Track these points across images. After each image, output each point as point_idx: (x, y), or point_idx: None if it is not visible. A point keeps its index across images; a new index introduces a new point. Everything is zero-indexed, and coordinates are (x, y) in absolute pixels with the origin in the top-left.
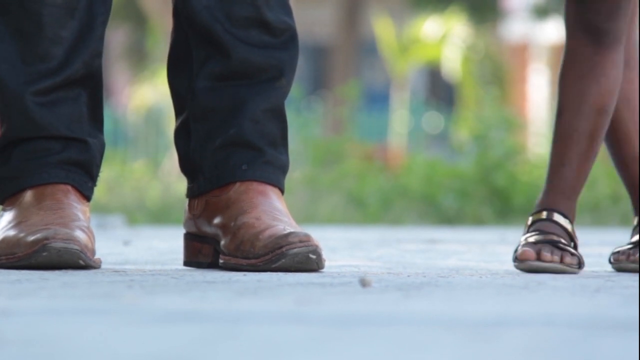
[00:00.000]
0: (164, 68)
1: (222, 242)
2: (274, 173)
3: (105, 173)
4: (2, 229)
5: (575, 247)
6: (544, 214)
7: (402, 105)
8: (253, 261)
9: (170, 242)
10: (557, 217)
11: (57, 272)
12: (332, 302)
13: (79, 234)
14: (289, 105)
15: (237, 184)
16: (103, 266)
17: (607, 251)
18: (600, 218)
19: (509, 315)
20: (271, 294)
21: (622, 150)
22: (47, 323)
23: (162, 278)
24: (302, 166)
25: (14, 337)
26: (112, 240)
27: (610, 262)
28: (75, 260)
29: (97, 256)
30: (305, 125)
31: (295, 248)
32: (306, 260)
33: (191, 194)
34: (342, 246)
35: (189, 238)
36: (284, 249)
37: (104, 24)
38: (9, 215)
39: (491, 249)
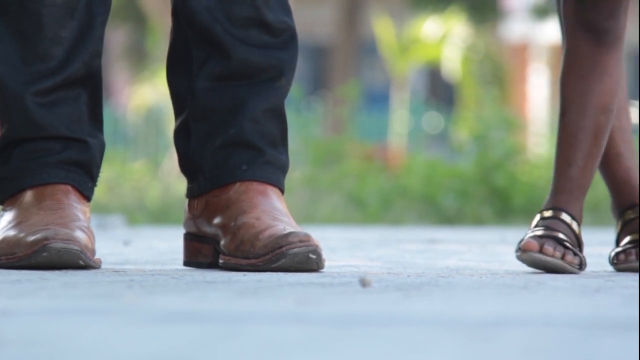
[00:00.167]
0: (163, 68)
1: (222, 242)
2: (274, 173)
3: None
4: (2, 229)
5: (580, 249)
6: (552, 213)
7: (402, 105)
8: (253, 261)
9: (170, 242)
10: (565, 217)
11: (57, 272)
12: (332, 302)
13: (79, 234)
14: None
15: (237, 184)
16: (103, 266)
17: (607, 251)
18: (600, 218)
19: (509, 315)
20: (271, 294)
21: (612, 168)
22: (47, 323)
23: (162, 278)
24: (302, 166)
25: (14, 337)
26: (112, 240)
27: (613, 262)
28: (75, 260)
29: (97, 256)
30: (305, 125)
31: (295, 248)
32: (306, 260)
33: (191, 194)
34: (342, 246)
35: (189, 238)
36: (284, 249)
37: (104, 23)
38: (9, 215)
39: (491, 249)
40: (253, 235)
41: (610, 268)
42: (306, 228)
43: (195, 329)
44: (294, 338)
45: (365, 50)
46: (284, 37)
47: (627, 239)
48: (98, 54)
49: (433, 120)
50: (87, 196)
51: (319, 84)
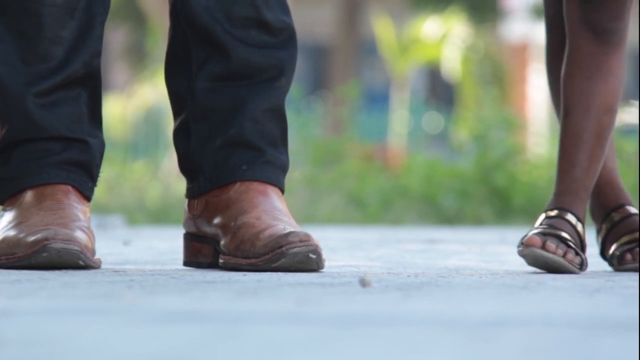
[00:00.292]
0: (163, 68)
1: (222, 242)
2: (274, 173)
3: (105, 173)
4: (3, 229)
5: (582, 250)
6: (557, 212)
7: (402, 105)
8: (253, 261)
9: (170, 242)
10: (570, 217)
11: (57, 272)
12: (332, 302)
13: (79, 235)
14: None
15: (238, 184)
16: (103, 266)
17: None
18: None
19: (509, 315)
20: (271, 294)
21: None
22: (47, 323)
23: (162, 278)
24: (302, 166)
25: (14, 337)
26: (112, 240)
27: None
28: (75, 260)
29: (97, 256)
30: (305, 125)
31: (295, 247)
32: (306, 260)
33: (191, 194)
34: (342, 246)
35: (189, 238)
36: (284, 249)
37: (103, 23)
38: (9, 216)
39: (491, 249)
40: (253, 234)
41: (610, 268)
42: (306, 228)
43: (195, 329)
44: (294, 338)
45: (365, 50)
46: (284, 37)
47: (624, 239)
48: (98, 54)
49: (433, 120)
50: (87, 196)
51: (319, 84)
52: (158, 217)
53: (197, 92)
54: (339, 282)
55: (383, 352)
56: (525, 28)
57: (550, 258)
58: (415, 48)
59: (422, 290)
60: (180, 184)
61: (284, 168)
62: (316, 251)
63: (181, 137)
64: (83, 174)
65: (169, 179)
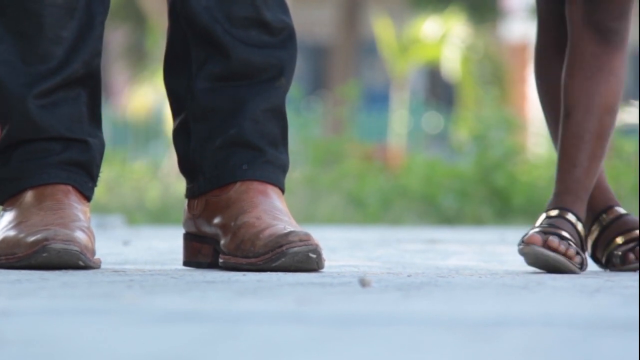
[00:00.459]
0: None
1: (222, 242)
2: (274, 172)
3: (105, 173)
4: (3, 229)
5: (582, 250)
6: (558, 212)
7: (401, 105)
8: (253, 260)
9: (169, 242)
10: (571, 217)
11: (57, 272)
12: (332, 302)
13: (79, 235)
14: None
15: (238, 184)
16: (103, 266)
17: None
18: None
19: (509, 315)
20: (271, 294)
21: None
22: (47, 323)
23: (161, 278)
24: (302, 166)
25: (14, 337)
26: (111, 240)
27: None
28: (75, 261)
29: (97, 256)
30: (305, 125)
31: (295, 247)
32: (306, 260)
33: (191, 194)
34: (342, 246)
35: (189, 238)
36: (284, 248)
37: (103, 23)
38: (9, 216)
39: (491, 249)
40: (253, 234)
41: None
42: (306, 228)
43: (195, 329)
44: (293, 338)
45: (365, 50)
46: (283, 36)
47: (618, 240)
48: (98, 54)
49: (433, 120)
50: (87, 196)
51: (319, 84)
52: (158, 217)
53: (197, 92)
54: (339, 282)
55: (383, 352)
56: (525, 28)
57: (551, 256)
58: (415, 48)
59: (422, 290)
60: (180, 184)
61: (284, 168)
62: (316, 251)
63: (181, 137)
64: (83, 174)
65: (168, 179)
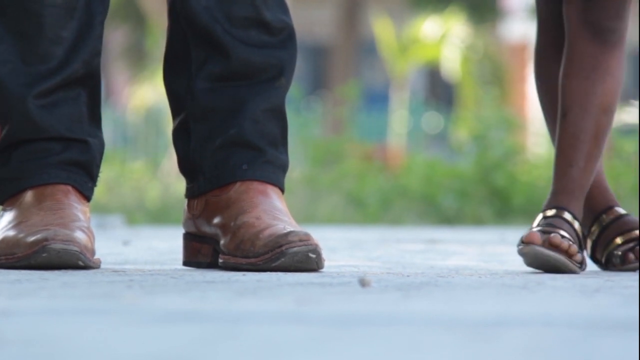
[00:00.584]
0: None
1: (222, 242)
2: (274, 172)
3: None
4: (2, 229)
5: (581, 248)
6: (554, 212)
7: (401, 105)
8: (253, 260)
9: (169, 242)
10: (567, 216)
11: (57, 272)
12: (332, 302)
13: (79, 235)
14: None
15: (238, 184)
16: (103, 266)
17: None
18: None
19: (509, 315)
20: (271, 294)
21: None
22: (47, 323)
23: (161, 278)
24: (302, 166)
25: (14, 337)
26: (111, 240)
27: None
28: (75, 261)
29: (96, 256)
30: (305, 125)
31: (295, 247)
32: (306, 260)
33: (191, 194)
34: (342, 246)
35: (189, 238)
36: (283, 248)
37: (103, 23)
38: (9, 216)
39: (491, 249)
40: (253, 234)
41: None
42: (306, 228)
43: (195, 329)
44: (293, 338)
45: (365, 50)
46: (283, 36)
47: (618, 240)
48: (97, 53)
49: (432, 120)
50: (87, 196)
51: (319, 84)
52: (158, 217)
53: (196, 92)
54: (339, 282)
55: (383, 352)
56: (525, 28)
57: (552, 256)
58: (414, 48)
59: (421, 290)
60: (180, 184)
61: (284, 168)
62: (316, 251)
63: (181, 137)
64: (83, 174)
65: (168, 179)
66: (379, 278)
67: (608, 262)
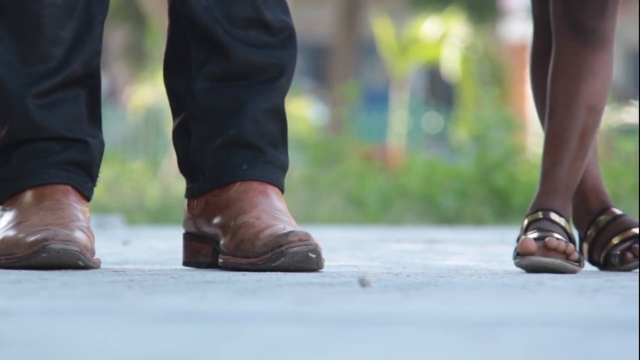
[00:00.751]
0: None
1: (222, 242)
2: (274, 172)
3: (105, 173)
4: (2, 229)
5: (574, 244)
6: (540, 214)
7: (401, 105)
8: (253, 260)
9: (169, 242)
10: (554, 216)
11: (56, 272)
12: (332, 302)
13: (79, 235)
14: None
15: (238, 184)
16: (102, 266)
17: None
18: None
19: (509, 315)
20: (271, 294)
21: (582, 177)
22: (47, 323)
23: (161, 278)
24: (302, 166)
25: (14, 337)
26: (111, 240)
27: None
28: (75, 261)
29: (96, 256)
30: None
31: (295, 247)
32: (306, 259)
33: (190, 194)
34: (341, 246)
35: (188, 238)
36: (283, 248)
37: (102, 23)
38: (8, 216)
39: (490, 249)
40: (253, 234)
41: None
42: (306, 228)
43: (195, 329)
44: (293, 338)
45: (365, 50)
46: (283, 36)
47: (615, 240)
48: (97, 53)
49: (432, 120)
50: (87, 196)
51: (319, 84)
52: (157, 217)
53: (197, 92)
54: (339, 282)
55: (383, 352)
56: (525, 28)
57: (549, 262)
58: (414, 48)
59: (421, 290)
60: (179, 184)
61: (283, 168)
62: (316, 250)
63: (181, 137)
64: (83, 174)
65: (168, 179)
66: (379, 278)
67: (607, 263)
